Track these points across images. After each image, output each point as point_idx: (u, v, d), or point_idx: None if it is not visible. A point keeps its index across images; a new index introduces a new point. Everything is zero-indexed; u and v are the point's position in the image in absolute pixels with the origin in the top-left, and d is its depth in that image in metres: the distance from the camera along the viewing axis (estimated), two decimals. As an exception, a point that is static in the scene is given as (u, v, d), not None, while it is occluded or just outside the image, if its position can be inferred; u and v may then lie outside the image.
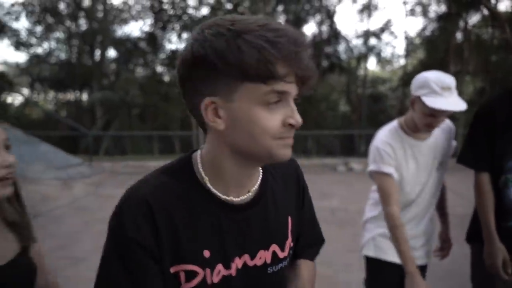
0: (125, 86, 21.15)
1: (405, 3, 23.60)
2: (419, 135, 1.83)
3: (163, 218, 0.73)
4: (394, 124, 1.89)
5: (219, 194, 0.78)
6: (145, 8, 21.49)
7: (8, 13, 21.82)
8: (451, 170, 2.16)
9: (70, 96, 25.14)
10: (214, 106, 0.71)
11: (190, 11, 18.75)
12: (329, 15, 24.03)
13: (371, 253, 1.96)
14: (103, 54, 22.81)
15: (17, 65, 25.64)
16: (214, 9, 18.86)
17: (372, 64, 34.61)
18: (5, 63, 25.97)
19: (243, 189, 0.80)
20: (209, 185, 0.78)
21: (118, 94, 18.70)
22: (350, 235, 4.80)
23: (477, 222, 1.84)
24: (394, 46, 39.82)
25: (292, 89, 0.71)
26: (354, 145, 18.59)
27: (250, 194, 0.82)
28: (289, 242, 0.88)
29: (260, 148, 0.71)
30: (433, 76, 1.65)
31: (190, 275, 0.76)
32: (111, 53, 24.35)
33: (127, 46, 22.41)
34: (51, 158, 8.80)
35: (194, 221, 0.76)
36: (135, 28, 53.05)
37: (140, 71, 23.84)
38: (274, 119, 0.70)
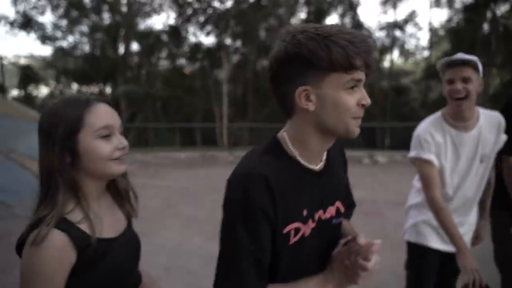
0: (149, 79, 21.39)
1: (430, -7, 23.10)
2: (462, 126, 1.87)
3: (277, 190, 0.90)
4: (437, 114, 1.95)
5: (306, 164, 0.99)
6: (168, 1, 21.63)
7: (34, 7, 22.30)
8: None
9: (94, 89, 25.56)
10: (306, 93, 0.92)
11: (215, 4, 18.78)
12: (352, 6, 23.74)
13: (413, 238, 2.03)
14: (126, 47, 23.07)
15: (43, 59, 26.24)
16: (239, 2, 18.85)
17: (395, 56, 34.06)
18: (32, 56, 26.59)
19: (319, 158, 1.02)
20: (298, 158, 0.98)
21: (142, 87, 18.92)
22: (378, 224, 4.88)
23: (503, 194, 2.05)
24: (419, 38, 39.17)
25: (363, 77, 0.93)
26: (376, 138, 18.43)
27: (322, 162, 1.04)
28: (345, 200, 1.13)
29: (342, 124, 0.93)
30: (450, 57, 1.84)
31: (296, 231, 0.96)
32: (134, 46, 24.65)
33: (150, 39, 22.61)
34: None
35: (294, 188, 0.95)
36: (158, 21, 53.21)
37: (163, 64, 24.05)
38: (352, 100, 0.92)
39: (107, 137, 1.01)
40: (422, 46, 27.50)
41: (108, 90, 24.30)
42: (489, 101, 19.50)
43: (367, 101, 0.94)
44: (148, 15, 22.92)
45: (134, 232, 1.17)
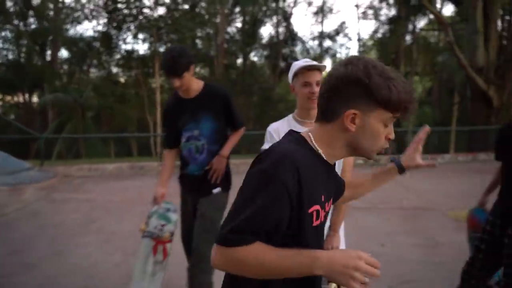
0: (79, 88, 20.49)
1: (357, 6, 24.41)
2: (310, 123, 2.05)
3: (304, 174, 1.01)
4: (289, 116, 2.22)
5: (325, 158, 1.12)
6: (98, 7, 20.94)
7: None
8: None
9: (19, 98, 24.02)
10: (354, 116, 1.05)
11: (146, 10, 18.45)
12: (286, 17, 24.44)
13: None
14: (54, 54, 22.00)
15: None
16: (170, 9, 18.66)
17: (328, 65, 35.35)
18: None
19: (334, 160, 1.16)
20: (321, 153, 1.11)
21: (71, 95, 18.06)
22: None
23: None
24: (349, 48, 41.09)
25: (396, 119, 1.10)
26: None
27: (333, 163, 1.18)
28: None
29: (372, 150, 1.11)
30: (296, 63, 2.09)
31: (317, 214, 1.07)
32: (64, 53, 23.56)
33: (80, 46, 21.73)
34: None
35: (316, 175, 1.07)
36: (89, 28, 51.31)
37: (94, 72, 23.18)
38: (384, 133, 1.09)
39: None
40: (353, 55, 28.77)
41: (35, 99, 23.00)
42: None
43: (393, 136, 1.12)
44: (77, 21, 22.03)
45: None
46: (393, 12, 22.38)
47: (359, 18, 26.29)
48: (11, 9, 21.36)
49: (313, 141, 1.12)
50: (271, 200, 0.97)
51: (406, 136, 12.35)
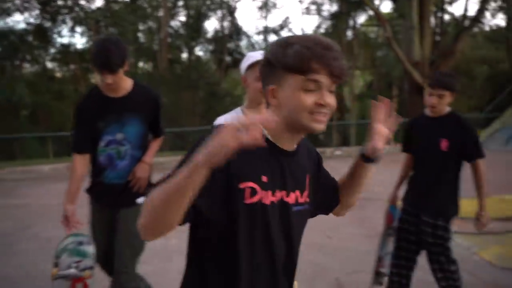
0: (11, 84, 19.10)
1: (300, 1, 24.77)
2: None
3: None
4: (238, 108, 2.07)
5: (274, 142, 1.10)
6: (30, -2, 19.59)
7: None
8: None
9: None
10: (273, 91, 1.07)
11: (82, 2, 17.54)
12: (230, 11, 24.30)
13: None
14: (-19, 48, 20.34)
15: None
16: (109, 1, 17.88)
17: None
18: None
19: (289, 145, 1.13)
20: (268, 136, 1.09)
21: (2, 93, 16.81)
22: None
23: None
24: (293, 43, 41.77)
25: (323, 79, 1.03)
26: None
27: (292, 149, 1.14)
28: (306, 193, 1.20)
29: (298, 119, 1.05)
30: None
31: (253, 192, 1.05)
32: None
33: (11, 39, 20.25)
34: None
35: (256, 155, 1.02)
36: (21, 20, 48.12)
37: (28, 68, 21.75)
38: (309, 99, 1.03)
39: None
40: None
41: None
42: (356, 100, 21.71)
43: (324, 100, 1.04)
44: (7, 12, 20.48)
45: None
46: (335, 7, 22.93)
47: (302, 13, 26.59)
48: None
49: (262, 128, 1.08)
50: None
51: (349, 129, 12.72)
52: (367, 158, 1.23)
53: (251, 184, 1.04)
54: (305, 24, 53.22)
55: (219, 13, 24.40)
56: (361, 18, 23.46)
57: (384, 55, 20.85)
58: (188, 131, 14.62)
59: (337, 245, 4.22)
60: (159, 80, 20.39)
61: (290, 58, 1.02)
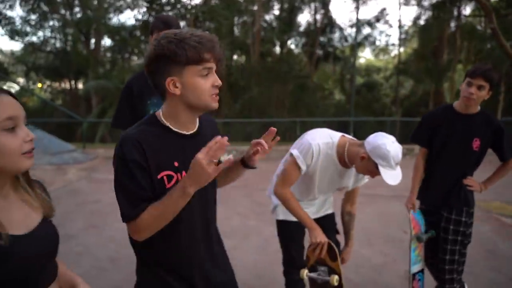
0: (120, 75, 21.19)
1: (398, -9, 23.56)
2: (347, 165, 2.15)
3: (147, 146, 1.25)
4: (334, 143, 2.13)
5: (178, 130, 1.32)
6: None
7: (2, 1, 21.79)
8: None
9: (66, 84, 25.17)
10: (173, 82, 1.25)
11: (184, -1, 18.75)
12: (324, 3, 24.05)
13: (281, 217, 2.44)
14: (98, 43, 22.81)
15: (12, 54, 25.65)
16: (207, -3, 18.88)
17: (367, 53, 34.59)
18: (0, 51, 25.98)
19: (190, 127, 1.35)
20: (170, 126, 1.31)
21: (113, 82, 18.75)
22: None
23: None
24: (390, 35, 39.91)
25: (213, 66, 1.29)
26: (348, 133, 18.72)
27: (194, 130, 1.36)
28: None
29: (202, 101, 1.28)
30: (393, 151, 1.92)
31: (169, 178, 1.28)
32: (107, 41, 24.36)
33: (122, 34, 22.37)
34: (46, 144, 9.01)
35: (165, 146, 1.29)
36: (131, 17, 52.76)
37: (135, 60, 23.86)
38: (207, 83, 1.27)
39: (12, 129, 0.96)
40: (393, 43, 27.96)
41: (80, 85, 24.04)
42: (456, 97, 20.17)
43: (219, 82, 1.29)
44: (120, 10, 22.70)
45: (51, 227, 1.15)
46: (437, -3, 21.47)
47: (400, 4, 25.32)
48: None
49: (162, 118, 1.32)
50: (131, 176, 1.23)
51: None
52: (246, 164, 1.44)
53: (166, 172, 1.28)
54: (402, 15, 50.48)
55: (312, 6, 24.32)
56: (467, 8, 21.71)
57: (490, 48, 19.04)
58: (276, 122, 14.92)
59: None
60: (251, 72, 21.03)
61: (188, 52, 1.20)
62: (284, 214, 2.38)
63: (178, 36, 1.22)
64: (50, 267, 1.12)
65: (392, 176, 1.93)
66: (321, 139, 2.12)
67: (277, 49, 25.24)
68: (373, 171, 1.98)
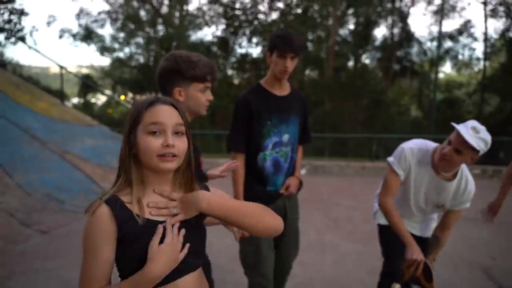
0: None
1: (485, 3, 22.15)
2: (442, 176, 2.10)
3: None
4: (429, 150, 2.12)
5: None
6: (218, 14, 22.38)
7: (95, 20, 23.92)
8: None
9: (147, 97, 26.72)
10: (179, 91, 1.70)
11: (261, 16, 19.20)
12: (402, 17, 23.32)
13: (382, 221, 2.43)
14: (178, 58, 24.01)
15: (102, 69, 27.94)
16: (284, 14, 19.14)
17: (447, 68, 32.79)
18: (92, 66, 28.45)
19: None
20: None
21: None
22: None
23: None
24: (474, 49, 37.49)
25: (210, 85, 1.76)
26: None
27: None
28: None
29: (197, 110, 1.73)
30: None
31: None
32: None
33: (200, 50, 23.43)
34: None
35: None
36: (208, 33, 55.10)
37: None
38: (204, 97, 1.73)
39: (154, 133, 1.06)
40: (478, 57, 26.19)
41: (160, 98, 25.35)
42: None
43: (211, 98, 1.77)
44: (199, 27, 23.82)
45: (199, 223, 1.17)
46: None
47: (487, 16, 23.72)
48: (144, 18, 23.99)
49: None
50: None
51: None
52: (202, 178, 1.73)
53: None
54: (488, 28, 47.14)
55: (389, 19, 23.69)
56: None
57: None
58: (349, 138, 14.60)
59: (502, 267, 3.80)
60: (324, 86, 20.87)
61: (197, 71, 1.67)
62: (384, 219, 2.36)
63: (189, 58, 1.67)
64: (191, 259, 1.11)
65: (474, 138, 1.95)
66: (415, 144, 2.16)
67: (351, 64, 24.84)
68: (457, 142, 1.94)
